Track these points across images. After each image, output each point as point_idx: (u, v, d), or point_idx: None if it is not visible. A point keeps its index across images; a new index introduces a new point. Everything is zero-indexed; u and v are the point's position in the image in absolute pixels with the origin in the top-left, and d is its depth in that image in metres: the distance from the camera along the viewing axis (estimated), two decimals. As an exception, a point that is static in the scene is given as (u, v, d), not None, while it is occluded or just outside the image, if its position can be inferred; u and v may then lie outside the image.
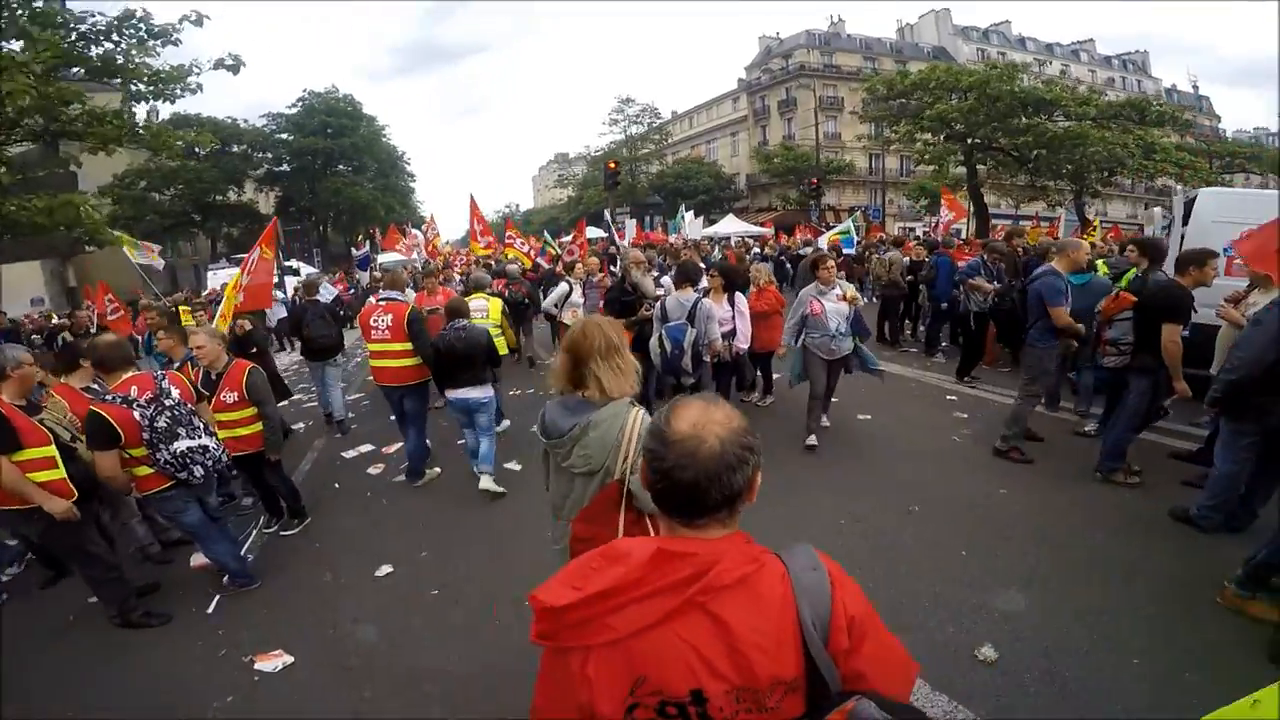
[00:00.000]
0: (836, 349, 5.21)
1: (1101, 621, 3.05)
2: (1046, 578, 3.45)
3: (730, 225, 26.02)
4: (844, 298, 5.25)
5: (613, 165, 16.71)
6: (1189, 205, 7.50)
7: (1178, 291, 4.12)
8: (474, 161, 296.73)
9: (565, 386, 2.08)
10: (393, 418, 5.82)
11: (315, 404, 8.00)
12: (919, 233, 21.58)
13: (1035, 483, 4.70)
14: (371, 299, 6.70)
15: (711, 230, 23.27)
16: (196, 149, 22.53)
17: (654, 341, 4.80)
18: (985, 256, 7.20)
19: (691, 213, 19.91)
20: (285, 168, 37.97)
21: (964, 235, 15.92)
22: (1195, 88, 47.68)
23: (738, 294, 5.63)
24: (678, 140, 50.26)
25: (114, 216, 27.89)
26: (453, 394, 4.81)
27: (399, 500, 5.24)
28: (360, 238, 30.86)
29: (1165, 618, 3.06)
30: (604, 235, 15.42)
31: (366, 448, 6.63)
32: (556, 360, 2.19)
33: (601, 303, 5.88)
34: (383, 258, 21.12)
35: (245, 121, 35.94)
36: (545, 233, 14.22)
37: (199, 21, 9.14)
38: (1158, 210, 8.21)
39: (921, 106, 22.94)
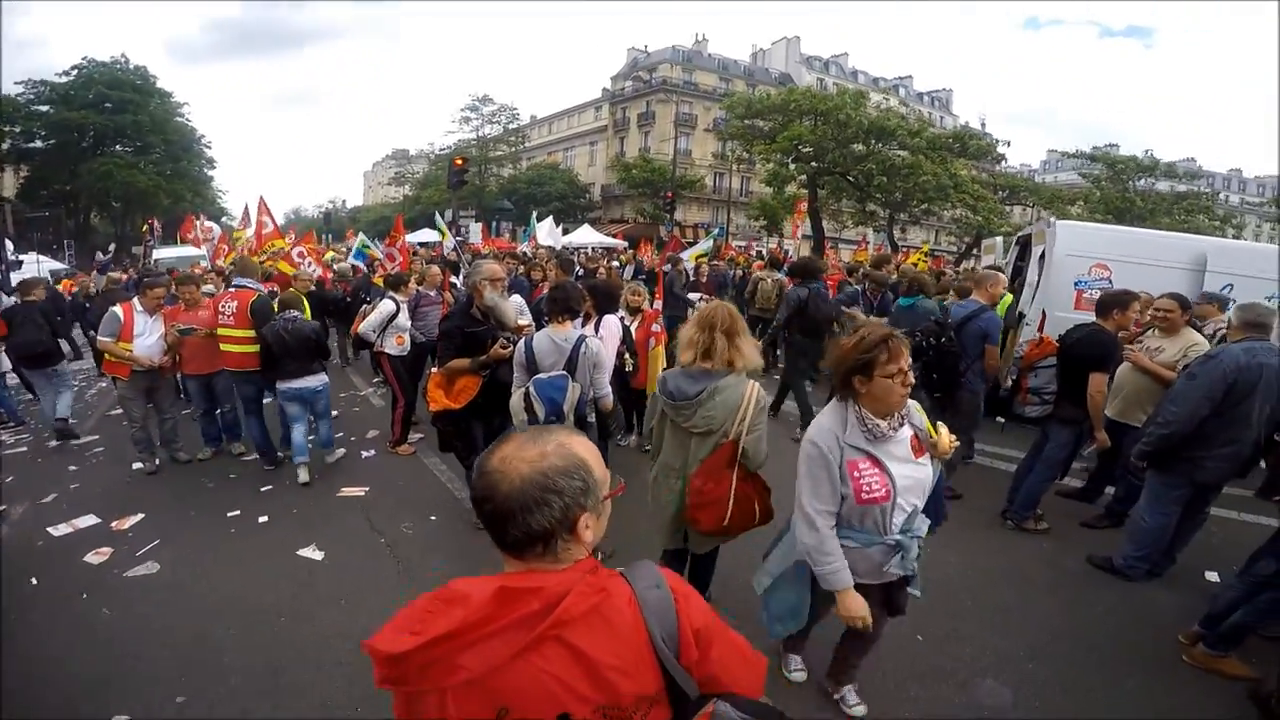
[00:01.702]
0: (898, 564, 2.13)
1: (1065, 684, 2.90)
2: (987, 643, 3.19)
3: (585, 235, 25.13)
4: (929, 443, 2.15)
5: (460, 161, 15.05)
6: (1027, 239, 7.95)
7: (1104, 338, 3.90)
8: (295, 155, 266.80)
9: (692, 358, 2.45)
10: (137, 465, 5.40)
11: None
12: (757, 251, 22.45)
13: (948, 531, 4.23)
14: (118, 306, 5.20)
15: (567, 239, 22.14)
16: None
17: (516, 400, 3.14)
18: (865, 286, 6.82)
19: (550, 220, 18.56)
20: (39, 144, 31.33)
21: (794, 256, 16.46)
22: (983, 124, 55.93)
23: (608, 319, 4.44)
24: (535, 145, 48.70)
25: None
26: (285, 385, 5.01)
27: (134, 607, 3.51)
28: (147, 229, 25.59)
29: (1132, 678, 2.98)
30: (438, 240, 13.54)
31: (87, 520, 4.61)
32: (685, 334, 2.51)
33: (439, 331, 4.06)
34: (161, 253, 17.36)
35: None
36: (362, 235, 11.96)
37: None
38: (998, 240, 8.78)
39: (776, 128, 23.89)
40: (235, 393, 5.50)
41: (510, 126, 43.32)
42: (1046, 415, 4.13)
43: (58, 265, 18.96)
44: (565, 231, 25.11)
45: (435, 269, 6.31)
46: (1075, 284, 6.20)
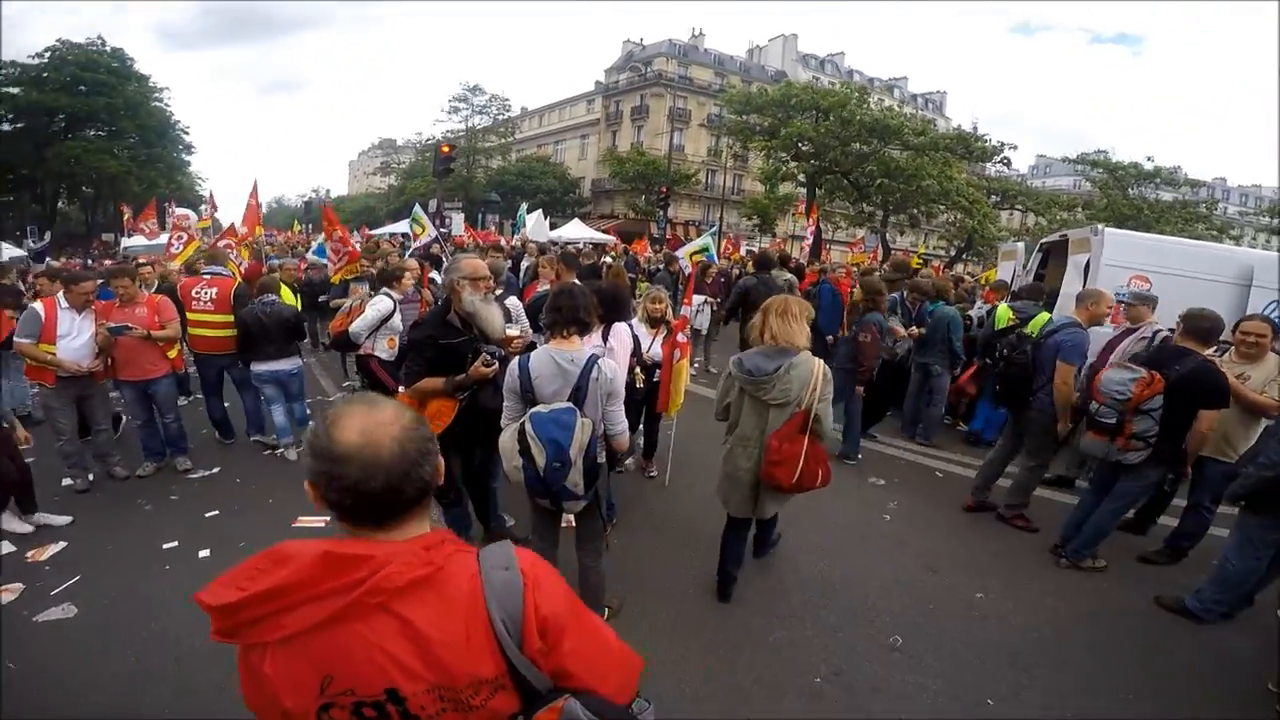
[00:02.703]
0: None
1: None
2: (1065, 699, 2.85)
3: (576, 230, 24.31)
4: None
5: (446, 149, 14.36)
6: (1052, 246, 7.47)
7: (1216, 371, 3.46)
8: (280, 143, 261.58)
9: (760, 339, 2.88)
10: (67, 481, 4.71)
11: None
12: (747, 250, 21.88)
13: (996, 570, 3.81)
14: (38, 302, 4.55)
15: (557, 234, 21.42)
16: None
17: (508, 440, 2.47)
18: (905, 294, 6.26)
19: (540, 212, 17.71)
20: (6, 127, 29.94)
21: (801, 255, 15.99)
22: (975, 127, 55.93)
23: (618, 327, 3.71)
24: (525, 138, 47.74)
25: None
26: (261, 367, 5.14)
27: (44, 661, 2.89)
28: (129, 217, 24.60)
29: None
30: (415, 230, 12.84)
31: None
32: (759, 318, 2.94)
33: (408, 340, 3.36)
34: (131, 241, 16.60)
35: None
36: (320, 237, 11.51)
37: None
38: (1019, 245, 8.30)
39: (775, 124, 23.21)
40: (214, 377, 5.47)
41: (500, 118, 42.30)
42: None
43: (19, 252, 17.93)
44: (553, 226, 24.44)
45: (413, 263, 5.62)
46: (1117, 296, 5.72)
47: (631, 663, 1.08)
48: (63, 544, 4.00)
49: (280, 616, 0.87)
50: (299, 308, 6.16)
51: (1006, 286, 7.25)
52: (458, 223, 15.16)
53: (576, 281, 3.20)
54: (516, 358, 2.62)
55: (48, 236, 18.86)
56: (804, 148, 22.02)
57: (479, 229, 22.25)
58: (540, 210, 19.24)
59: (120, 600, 3.42)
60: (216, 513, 4.39)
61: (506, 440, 2.47)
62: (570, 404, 2.46)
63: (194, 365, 5.77)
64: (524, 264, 11.22)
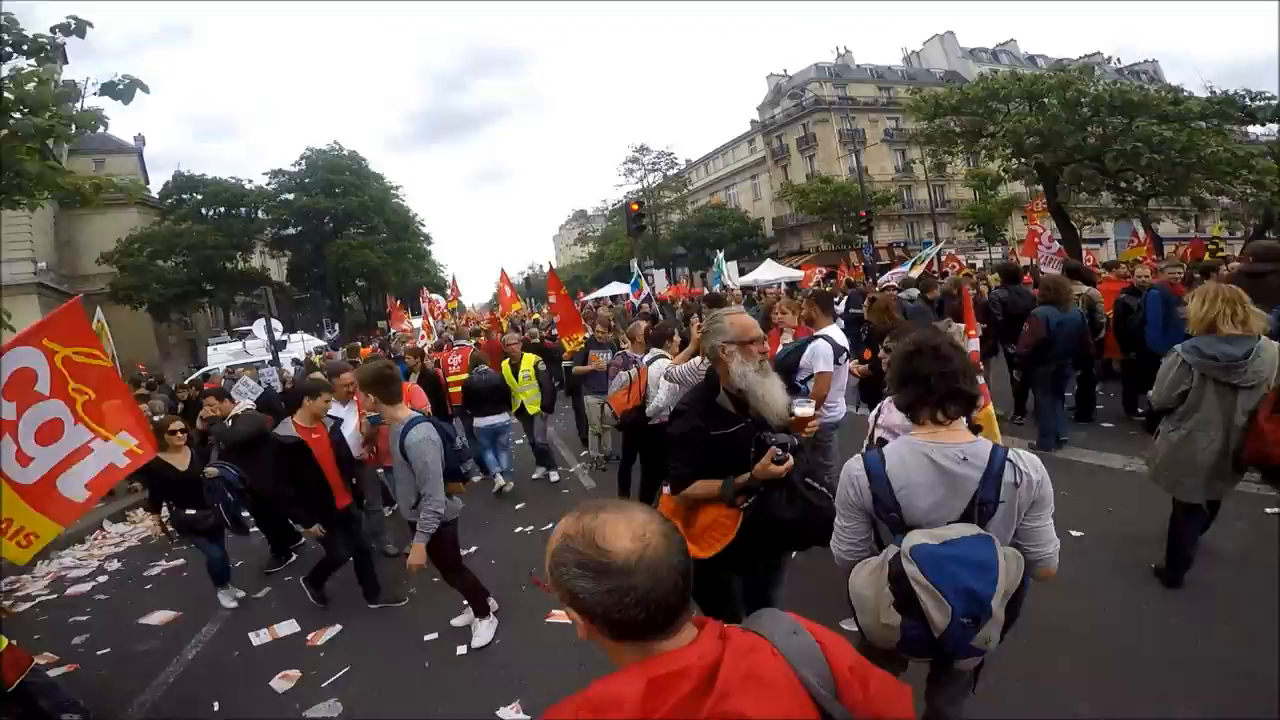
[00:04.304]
0: None
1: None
2: None
3: (768, 272, 23.52)
4: None
5: (635, 206, 14.65)
6: None
7: None
8: (496, 226, 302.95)
9: (1225, 326, 2.91)
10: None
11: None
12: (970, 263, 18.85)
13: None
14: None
15: (750, 279, 20.82)
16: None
17: (867, 586, 1.66)
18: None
19: (732, 262, 16.96)
20: (292, 231, 35.67)
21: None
22: (1210, 90, 44.76)
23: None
24: (696, 188, 48.70)
25: (115, 286, 26.74)
26: (482, 422, 6.19)
27: None
28: (400, 305, 29.26)
29: None
30: (632, 291, 12.98)
31: (287, 628, 4.19)
32: (1216, 307, 2.96)
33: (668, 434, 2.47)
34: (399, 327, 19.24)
35: (250, 182, 34.03)
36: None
37: (80, 30, 5.97)
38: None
39: (979, 123, 20.33)
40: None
41: (669, 173, 43.40)
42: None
43: (319, 342, 21.56)
44: (742, 271, 23.88)
45: (643, 324, 5.24)
46: None
47: (907, 692, 1.02)
48: (338, 628, 4.08)
49: None
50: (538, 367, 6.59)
51: None
52: (659, 279, 15.13)
53: (934, 331, 2.12)
54: (862, 457, 1.79)
55: (336, 328, 22.50)
56: (1029, 141, 18.58)
57: (674, 284, 22.45)
58: (729, 257, 18.70)
59: (380, 695, 3.35)
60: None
61: (866, 588, 1.65)
62: (974, 527, 1.59)
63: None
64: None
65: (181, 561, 5.73)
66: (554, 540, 0.93)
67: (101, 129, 6.71)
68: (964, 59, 42.77)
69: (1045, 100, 18.91)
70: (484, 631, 3.70)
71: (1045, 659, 2.79)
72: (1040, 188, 20.55)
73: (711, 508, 2.29)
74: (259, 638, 4.10)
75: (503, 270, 13.06)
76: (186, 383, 11.38)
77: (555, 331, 8.55)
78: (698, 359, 3.57)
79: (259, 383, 9.59)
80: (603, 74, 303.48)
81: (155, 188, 32.17)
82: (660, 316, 7.64)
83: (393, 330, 18.82)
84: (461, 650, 3.66)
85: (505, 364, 6.35)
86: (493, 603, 3.83)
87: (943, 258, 14.90)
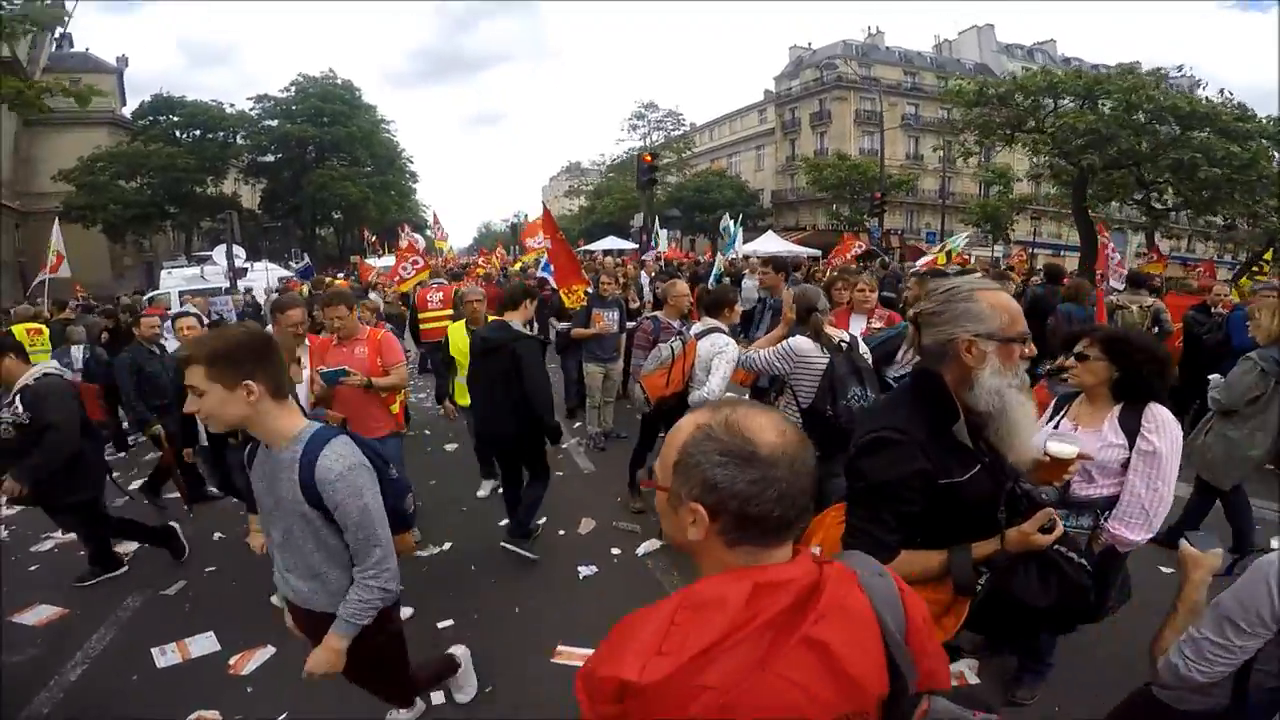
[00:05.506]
0: None
1: None
2: None
3: (770, 243, 22.43)
4: None
5: (648, 158, 13.47)
6: None
7: None
8: (485, 172, 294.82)
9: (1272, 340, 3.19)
10: None
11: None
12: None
13: None
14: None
15: (750, 248, 19.67)
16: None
17: None
18: None
19: (740, 228, 14.83)
20: (270, 158, 33.99)
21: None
22: (1237, 103, 44.40)
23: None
24: (699, 152, 47.04)
25: (68, 205, 24.72)
26: None
27: None
28: (376, 240, 27.75)
29: None
30: (631, 247, 11.80)
31: (203, 644, 3.22)
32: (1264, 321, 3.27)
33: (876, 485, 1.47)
34: (371, 262, 18.13)
35: (231, 106, 32.20)
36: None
37: None
38: None
39: (1021, 116, 19.27)
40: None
41: (674, 134, 41.94)
42: None
43: (285, 273, 20.35)
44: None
45: (682, 285, 4.16)
46: None
47: (945, 657, 0.99)
48: (270, 651, 3.12)
49: (701, 676, 0.72)
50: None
51: None
52: (663, 238, 13.96)
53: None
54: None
55: (306, 258, 21.33)
56: (1076, 142, 17.73)
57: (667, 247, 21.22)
58: (738, 223, 17.48)
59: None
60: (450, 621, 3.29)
61: None
62: None
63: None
64: (744, 284, 9.64)
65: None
66: (685, 432, 0.87)
67: (85, 49, 5.48)
68: (998, 53, 41.53)
69: (1100, 101, 18.06)
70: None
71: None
72: (1050, 190, 19.85)
73: (927, 590, 1.38)
74: (165, 656, 3.12)
75: (545, 208, 8.70)
76: (120, 307, 10.15)
77: (551, 281, 7.40)
78: (796, 340, 2.63)
79: (209, 314, 8.53)
80: (615, 28, 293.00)
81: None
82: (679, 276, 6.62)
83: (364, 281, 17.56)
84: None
85: (458, 326, 4.54)
86: (458, 648, 2.83)
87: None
